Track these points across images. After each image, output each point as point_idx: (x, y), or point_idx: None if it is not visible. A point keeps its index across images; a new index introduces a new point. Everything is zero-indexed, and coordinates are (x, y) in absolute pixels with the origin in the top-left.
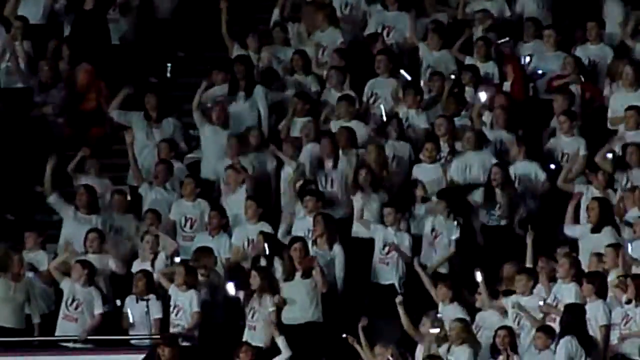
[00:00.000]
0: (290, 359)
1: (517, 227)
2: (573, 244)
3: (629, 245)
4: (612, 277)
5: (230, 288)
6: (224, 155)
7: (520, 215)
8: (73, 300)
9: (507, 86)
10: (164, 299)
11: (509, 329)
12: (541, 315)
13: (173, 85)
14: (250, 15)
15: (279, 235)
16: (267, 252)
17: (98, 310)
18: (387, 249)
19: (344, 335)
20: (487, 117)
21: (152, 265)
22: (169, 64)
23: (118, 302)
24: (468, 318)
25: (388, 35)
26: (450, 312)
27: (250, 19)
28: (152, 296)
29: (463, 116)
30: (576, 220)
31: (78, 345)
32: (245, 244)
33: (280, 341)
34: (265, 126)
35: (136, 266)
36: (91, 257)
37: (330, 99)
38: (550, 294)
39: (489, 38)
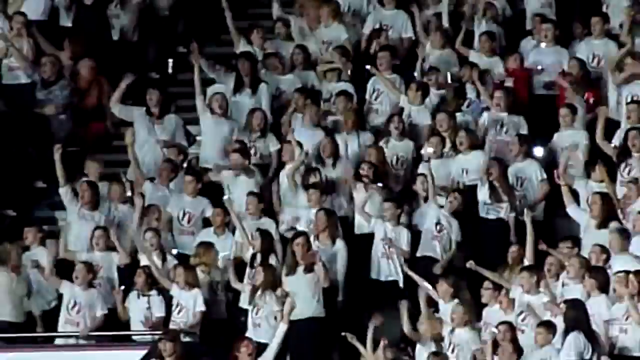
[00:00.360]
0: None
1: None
2: (574, 238)
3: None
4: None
5: None
6: (223, 145)
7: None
8: (75, 304)
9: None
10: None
11: (509, 323)
12: (548, 313)
13: (173, 81)
14: (254, 10)
15: (281, 228)
16: (261, 249)
17: (100, 311)
18: (384, 242)
19: (343, 334)
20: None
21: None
22: (170, 60)
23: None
24: None
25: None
26: (450, 308)
27: (254, 14)
28: (153, 292)
29: (465, 112)
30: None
31: (79, 342)
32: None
33: (280, 332)
34: (268, 124)
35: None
36: (97, 255)
37: (325, 95)
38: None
39: (493, 32)
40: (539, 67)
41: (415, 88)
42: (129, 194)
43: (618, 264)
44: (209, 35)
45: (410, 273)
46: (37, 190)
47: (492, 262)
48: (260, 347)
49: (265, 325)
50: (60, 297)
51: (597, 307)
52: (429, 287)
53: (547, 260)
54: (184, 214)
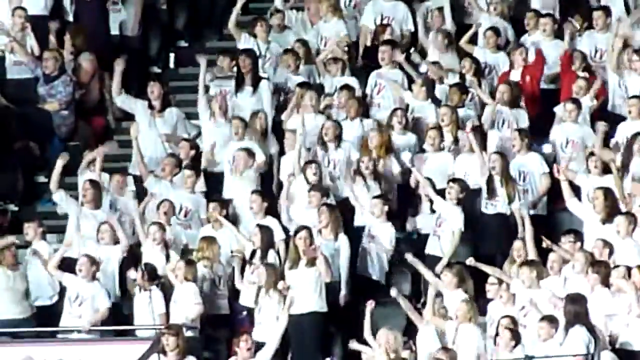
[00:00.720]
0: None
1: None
2: (577, 232)
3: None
4: None
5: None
6: (224, 147)
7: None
8: (77, 297)
9: (515, 75)
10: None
11: (511, 317)
12: (551, 307)
13: (174, 75)
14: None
15: (283, 220)
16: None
17: (103, 305)
18: (368, 238)
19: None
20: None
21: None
22: (171, 54)
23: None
24: None
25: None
26: (455, 298)
27: (255, 9)
28: (154, 287)
29: (467, 106)
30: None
31: (82, 336)
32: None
33: (280, 326)
34: (269, 120)
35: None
36: (103, 249)
37: (328, 89)
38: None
39: (497, 27)
40: None
41: (420, 84)
42: (130, 187)
43: (622, 251)
44: (211, 30)
45: (415, 261)
46: (39, 184)
47: (492, 256)
48: (262, 345)
49: (268, 324)
50: (60, 292)
51: (600, 301)
52: (433, 277)
53: (550, 257)
54: (181, 208)
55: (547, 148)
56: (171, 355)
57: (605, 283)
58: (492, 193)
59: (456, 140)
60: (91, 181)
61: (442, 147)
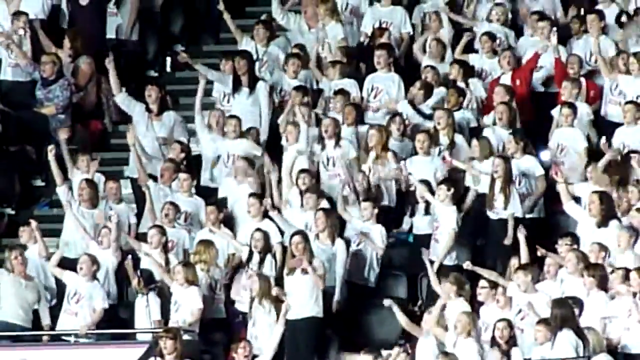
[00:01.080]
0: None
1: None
2: (574, 235)
3: None
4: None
5: None
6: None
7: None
8: (75, 294)
9: (505, 79)
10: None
11: (507, 321)
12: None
13: (171, 79)
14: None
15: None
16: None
17: (100, 305)
18: (357, 241)
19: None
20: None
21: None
22: (168, 57)
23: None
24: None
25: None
26: (455, 308)
27: (252, 12)
28: (151, 292)
29: (463, 109)
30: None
31: (79, 339)
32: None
33: (276, 333)
34: (266, 122)
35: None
36: (101, 252)
37: (327, 93)
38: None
39: (493, 33)
40: (538, 65)
41: (418, 87)
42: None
43: (622, 261)
44: (208, 33)
45: (427, 261)
46: (35, 188)
47: (493, 261)
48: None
49: (263, 337)
50: (59, 294)
51: (596, 304)
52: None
53: (547, 261)
54: (180, 213)
55: (545, 155)
56: (169, 358)
57: (601, 286)
58: (492, 199)
59: (452, 144)
60: (87, 180)
61: (431, 151)
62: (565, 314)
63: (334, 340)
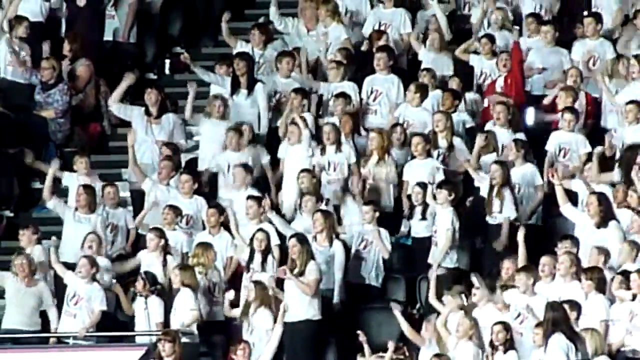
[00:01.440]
0: None
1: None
2: (573, 238)
3: None
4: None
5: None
6: (222, 148)
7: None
8: (74, 296)
9: (501, 81)
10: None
11: (504, 324)
12: None
13: (169, 82)
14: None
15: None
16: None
17: (99, 307)
18: (363, 243)
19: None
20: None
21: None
22: (167, 60)
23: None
24: None
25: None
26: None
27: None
28: (152, 295)
29: (460, 111)
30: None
31: (78, 342)
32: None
33: (275, 335)
34: (265, 123)
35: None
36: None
37: (326, 96)
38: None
39: (492, 35)
40: (540, 67)
41: (414, 89)
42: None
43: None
44: (207, 36)
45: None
46: (34, 191)
47: (492, 265)
48: None
49: (260, 344)
50: (59, 297)
51: (595, 308)
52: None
53: (541, 261)
54: (182, 216)
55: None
56: None
57: (600, 289)
58: (490, 204)
59: (451, 146)
60: (85, 186)
61: (429, 154)
62: (556, 318)
63: (332, 342)
